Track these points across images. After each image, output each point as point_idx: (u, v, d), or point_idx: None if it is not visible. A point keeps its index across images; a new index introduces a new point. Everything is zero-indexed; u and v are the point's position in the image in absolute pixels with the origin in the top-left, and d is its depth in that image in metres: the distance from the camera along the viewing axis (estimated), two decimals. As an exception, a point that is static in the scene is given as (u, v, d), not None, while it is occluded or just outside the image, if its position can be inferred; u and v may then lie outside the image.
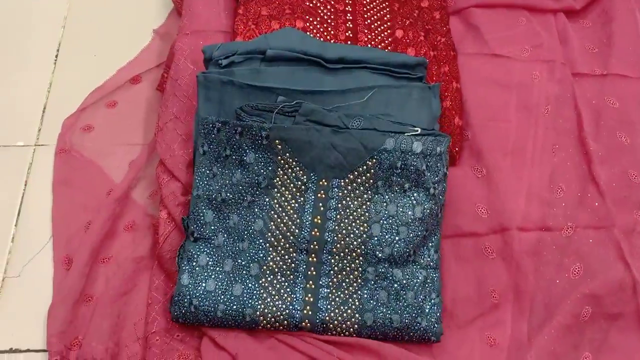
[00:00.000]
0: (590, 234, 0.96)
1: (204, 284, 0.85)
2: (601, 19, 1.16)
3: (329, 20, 1.01)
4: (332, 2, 1.03)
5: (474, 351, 0.89)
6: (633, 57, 1.11)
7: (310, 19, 1.01)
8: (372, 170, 0.88)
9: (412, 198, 0.88)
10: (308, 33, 0.99)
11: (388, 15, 1.04)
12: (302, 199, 0.87)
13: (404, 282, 0.87)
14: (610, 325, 0.93)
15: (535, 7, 1.14)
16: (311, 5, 1.02)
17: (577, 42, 1.13)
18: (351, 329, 0.85)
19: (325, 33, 1.00)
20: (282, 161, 0.87)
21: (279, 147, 0.87)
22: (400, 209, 0.88)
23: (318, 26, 1.01)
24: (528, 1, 1.13)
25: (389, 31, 1.03)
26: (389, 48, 1.01)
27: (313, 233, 0.86)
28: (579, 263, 0.94)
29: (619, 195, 0.99)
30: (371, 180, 0.88)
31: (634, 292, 0.93)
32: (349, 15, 1.02)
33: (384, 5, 1.05)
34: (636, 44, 1.11)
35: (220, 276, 0.86)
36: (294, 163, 0.87)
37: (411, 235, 0.88)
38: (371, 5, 1.05)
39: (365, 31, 1.02)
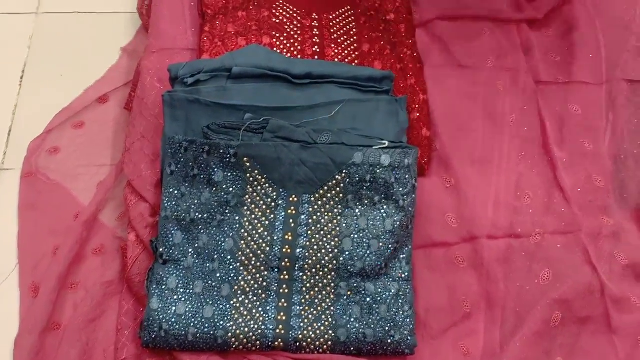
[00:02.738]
0: (558, 239, 0.93)
1: (174, 308, 0.80)
2: (563, 28, 1.13)
3: (296, 36, 0.97)
4: (299, 18, 0.99)
5: None
6: (594, 64, 1.09)
7: (277, 35, 0.96)
8: (342, 185, 0.84)
9: (382, 211, 0.84)
10: (275, 49, 0.94)
11: (354, 30, 1.00)
12: (272, 216, 0.83)
13: (377, 295, 0.83)
14: (581, 329, 0.90)
15: (498, 18, 1.11)
16: (277, 21, 0.97)
17: (540, 51, 1.10)
18: (325, 346, 0.81)
19: (292, 49, 0.96)
20: (251, 179, 0.82)
21: (248, 164, 0.82)
22: (371, 222, 0.84)
23: (285, 42, 0.96)
24: (491, 12, 1.10)
25: (355, 45, 0.99)
26: (356, 62, 0.97)
27: (284, 250, 0.82)
28: (547, 269, 0.91)
29: (584, 200, 0.96)
30: (341, 195, 0.84)
31: (602, 295, 0.91)
32: (315, 30, 0.98)
33: (350, 19, 1.01)
34: (597, 52, 1.09)
35: (191, 298, 0.80)
36: (263, 180, 0.83)
37: (382, 248, 0.83)
38: (337, 20, 1.00)
39: (332, 46, 0.97)
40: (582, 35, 1.10)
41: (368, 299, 0.82)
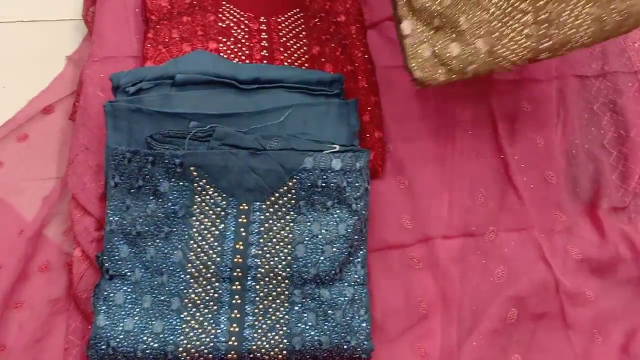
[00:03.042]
0: (512, 236, 0.93)
1: (121, 324, 0.77)
2: None
3: (243, 40, 0.94)
4: (246, 22, 0.96)
5: None
6: (544, 61, 1.09)
7: (224, 40, 0.93)
8: (293, 191, 0.82)
9: (335, 215, 0.83)
10: (222, 54, 0.92)
11: (304, 33, 0.98)
12: (222, 225, 0.80)
13: (332, 302, 0.81)
14: (537, 325, 0.90)
15: None
16: (224, 25, 0.95)
17: None
18: (280, 356, 0.79)
19: (240, 53, 0.93)
20: (198, 188, 0.80)
21: (194, 174, 0.80)
22: (324, 228, 0.82)
23: (232, 47, 0.93)
24: None
25: (305, 48, 0.97)
26: (306, 65, 0.95)
27: (236, 260, 0.80)
28: (502, 266, 0.91)
29: (537, 196, 0.96)
30: (293, 201, 0.82)
31: (557, 291, 0.91)
32: (263, 34, 0.96)
33: (299, 22, 0.99)
34: None
35: (139, 314, 0.78)
36: (212, 189, 0.80)
37: (336, 253, 0.82)
38: (286, 23, 0.98)
39: (281, 49, 0.95)
40: None
41: (323, 306, 0.81)
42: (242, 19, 0.96)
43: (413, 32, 0.76)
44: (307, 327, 0.80)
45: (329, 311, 0.81)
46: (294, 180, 0.81)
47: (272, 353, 0.78)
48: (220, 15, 0.95)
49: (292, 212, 0.82)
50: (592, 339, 0.91)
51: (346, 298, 0.82)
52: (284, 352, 0.79)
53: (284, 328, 0.79)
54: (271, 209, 0.82)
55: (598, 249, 0.95)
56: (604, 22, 0.76)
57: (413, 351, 0.86)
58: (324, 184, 0.82)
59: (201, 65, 0.86)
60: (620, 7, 0.75)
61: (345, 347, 0.80)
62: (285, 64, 0.94)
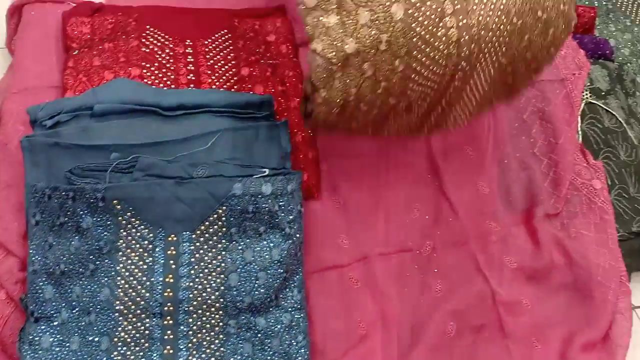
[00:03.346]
0: (449, 250, 0.94)
1: (49, 369, 0.74)
2: None
3: (168, 65, 0.92)
4: (171, 46, 0.94)
5: None
6: None
7: (147, 65, 0.91)
8: (224, 218, 0.80)
9: (269, 241, 0.81)
10: (145, 80, 0.89)
11: (232, 54, 0.97)
12: (150, 259, 0.78)
13: (268, 330, 0.80)
14: (476, 337, 0.91)
15: None
16: (147, 50, 0.92)
17: None
18: (216, 389, 0.77)
19: (165, 78, 0.91)
20: (123, 222, 0.77)
21: (118, 207, 0.77)
22: (258, 254, 0.80)
23: (156, 72, 0.91)
24: None
25: (233, 70, 0.95)
26: (235, 87, 0.94)
27: (166, 294, 0.77)
28: (440, 280, 0.91)
29: (471, 208, 0.97)
30: (224, 229, 0.80)
31: (494, 302, 0.92)
32: (189, 57, 0.94)
33: (227, 44, 0.97)
34: None
35: (67, 356, 0.75)
36: (137, 222, 0.78)
37: (271, 279, 0.80)
38: (213, 45, 0.96)
39: (209, 72, 0.93)
40: None
41: (259, 335, 0.79)
42: (166, 42, 0.94)
43: (319, 3, 0.67)
44: (244, 358, 0.78)
45: (266, 340, 0.79)
46: (224, 208, 0.79)
47: (207, 387, 0.77)
48: (143, 40, 0.93)
49: (223, 241, 0.80)
50: (531, 346, 0.92)
51: (283, 324, 0.81)
52: (220, 385, 0.77)
53: (220, 361, 0.77)
54: (201, 239, 0.80)
55: (533, 257, 0.97)
56: (522, 26, 0.73)
57: None
58: (255, 210, 0.80)
59: (121, 94, 0.83)
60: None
61: (283, 373, 0.79)
62: (214, 87, 0.92)
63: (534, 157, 1.03)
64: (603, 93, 1.14)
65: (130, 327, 0.76)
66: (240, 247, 0.80)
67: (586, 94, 1.11)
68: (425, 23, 0.70)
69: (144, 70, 0.90)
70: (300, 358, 0.80)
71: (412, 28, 0.69)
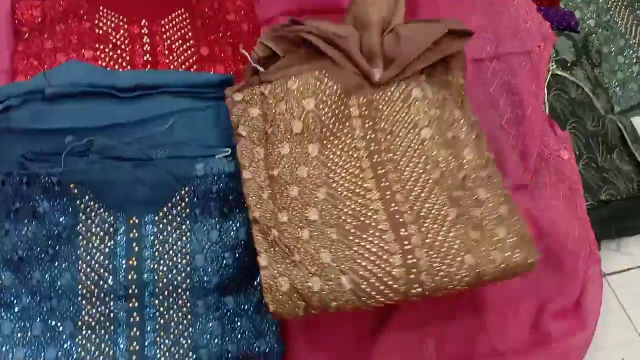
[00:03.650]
0: None
1: (10, 355, 0.74)
2: (407, 9, 1.15)
3: (123, 46, 0.92)
4: (126, 26, 0.93)
5: None
6: None
7: (102, 47, 0.90)
8: (187, 199, 0.80)
9: (234, 221, 0.82)
10: (100, 63, 0.89)
11: (190, 34, 0.96)
12: (111, 242, 0.78)
13: (237, 308, 0.81)
14: (451, 307, 0.92)
15: (342, 9, 1.10)
16: (101, 32, 0.92)
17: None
18: (185, 370, 0.78)
19: (120, 60, 0.91)
20: (82, 206, 0.77)
21: (75, 191, 0.77)
22: (224, 234, 0.81)
23: (111, 53, 0.90)
24: (334, 4, 1.10)
25: (192, 50, 0.95)
26: (195, 67, 0.94)
27: (130, 277, 0.77)
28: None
29: None
30: (187, 210, 0.80)
31: None
32: (145, 38, 0.93)
33: (184, 23, 0.97)
34: None
35: (29, 342, 0.75)
36: (97, 206, 0.78)
37: (239, 259, 0.81)
38: (170, 25, 0.96)
39: (166, 52, 0.93)
40: (424, 16, 1.12)
41: (228, 314, 0.80)
42: (120, 23, 0.93)
43: (269, 265, 0.73)
44: (213, 338, 0.79)
45: (235, 318, 0.80)
46: (187, 189, 0.80)
47: (176, 369, 0.77)
48: (96, 22, 0.92)
49: (187, 222, 0.80)
50: (504, 317, 0.93)
51: (252, 303, 0.82)
52: (189, 365, 0.78)
53: (189, 341, 0.78)
54: (165, 221, 0.80)
55: None
56: (480, 273, 0.76)
57: None
58: (219, 190, 0.81)
59: (74, 76, 0.82)
60: (498, 259, 0.76)
61: (254, 353, 0.80)
62: (171, 67, 0.92)
63: (502, 130, 1.04)
64: (569, 64, 1.15)
65: (94, 310, 0.76)
66: (205, 228, 0.81)
67: (552, 65, 1.13)
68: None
69: (98, 52, 0.90)
70: (271, 334, 0.81)
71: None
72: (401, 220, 0.78)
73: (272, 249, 0.74)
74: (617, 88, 1.28)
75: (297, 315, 0.73)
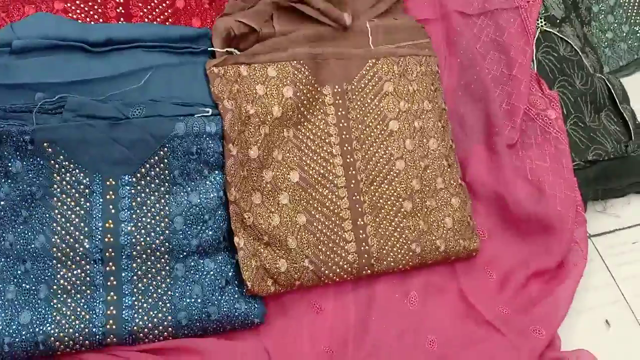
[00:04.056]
0: None
1: (-17, 319, 0.73)
2: None
3: (94, -3, 0.89)
4: (98, -23, 0.90)
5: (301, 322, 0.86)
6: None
7: (72, -1, 0.88)
8: (166, 160, 0.79)
9: (215, 182, 0.81)
10: (70, 15, 0.86)
11: (165, -16, 0.94)
12: (87, 204, 0.77)
13: (218, 270, 0.81)
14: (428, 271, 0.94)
15: None
16: (72, -18, 0.89)
17: None
18: (165, 333, 0.78)
19: (91, 12, 0.88)
20: (56, 166, 0.76)
21: (49, 150, 0.75)
22: (204, 196, 0.80)
23: (82, 5, 0.87)
24: None
25: (167, 2, 0.92)
26: (170, 21, 0.91)
27: (106, 240, 0.77)
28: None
29: None
30: (166, 171, 0.79)
31: None
32: (118, -11, 0.90)
33: (160, -27, 0.94)
34: None
35: (4, 306, 0.74)
36: (71, 166, 0.76)
37: (219, 220, 0.81)
38: (144, -24, 0.93)
39: (140, 5, 0.90)
40: None
41: (209, 276, 0.80)
42: (92, -27, 0.90)
43: (245, 246, 0.82)
44: (192, 300, 0.79)
45: (216, 281, 0.80)
46: (165, 149, 0.79)
47: (156, 332, 0.77)
48: (66, -28, 0.89)
49: (166, 184, 0.80)
50: (486, 277, 0.95)
51: (232, 265, 0.82)
52: (169, 328, 0.78)
53: (167, 304, 0.78)
54: (142, 182, 0.79)
55: (490, 188, 0.99)
56: (424, 257, 0.90)
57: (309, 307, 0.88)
58: (199, 150, 0.80)
59: (42, 29, 0.80)
60: (442, 247, 0.91)
61: (236, 314, 0.81)
62: (146, 20, 0.89)
63: (488, 89, 1.04)
64: (558, 21, 1.14)
65: (69, 274, 0.76)
66: (184, 190, 0.80)
67: (541, 22, 1.12)
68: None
69: (68, 4, 0.87)
70: (251, 296, 0.82)
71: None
72: (360, 209, 0.89)
73: (246, 231, 0.82)
74: (607, 48, 1.28)
75: (269, 291, 0.83)
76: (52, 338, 0.74)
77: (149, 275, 0.78)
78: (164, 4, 0.92)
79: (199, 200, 0.80)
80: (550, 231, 0.96)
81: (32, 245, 0.75)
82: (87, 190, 0.77)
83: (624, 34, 1.30)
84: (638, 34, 1.30)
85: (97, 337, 0.75)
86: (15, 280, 0.75)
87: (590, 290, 0.96)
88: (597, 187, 1.06)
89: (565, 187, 0.99)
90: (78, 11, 0.87)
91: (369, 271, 0.88)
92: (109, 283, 0.77)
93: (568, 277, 0.94)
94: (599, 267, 1.01)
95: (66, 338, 0.74)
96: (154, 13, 0.91)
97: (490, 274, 0.95)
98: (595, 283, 0.98)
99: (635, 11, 1.31)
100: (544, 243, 0.96)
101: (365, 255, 0.87)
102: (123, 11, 0.89)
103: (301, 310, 0.87)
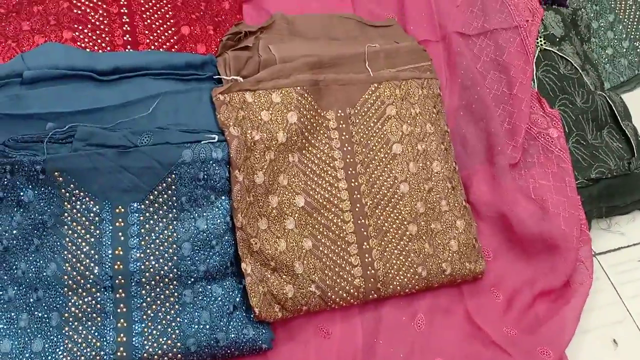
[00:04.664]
0: None
1: (-3, 347, 0.76)
2: None
3: (102, 26, 0.92)
4: (104, 6, 0.94)
5: (309, 347, 0.88)
6: (429, 21, 1.13)
7: (80, 28, 0.91)
8: (173, 187, 0.82)
9: (222, 208, 0.84)
10: (79, 44, 0.89)
11: (171, 12, 0.97)
12: (97, 232, 0.80)
13: (225, 296, 0.83)
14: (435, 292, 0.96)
15: None
16: (79, 12, 0.92)
17: (376, 11, 1.13)
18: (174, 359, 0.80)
19: (99, 41, 0.91)
20: (67, 194, 0.79)
21: (60, 179, 0.78)
22: (211, 222, 0.83)
23: (90, 34, 0.91)
24: None
25: (173, 29, 0.96)
26: (176, 47, 0.95)
27: (116, 267, 0.79)
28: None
29: None
30: (174, 198, 0.82)
31: None
32: (125, 17, 0.94)
33: (165, 1, 0.98)
34: (428, 8, 1.13)
35: (16, 334, 0.77)
36: (82, 194, 0.79)
37: (226, 246, 0.84)
38: (150, 4, 0.96)
39: (146, 32, 0.94)
40: None
41: (217, 302, 0.83)
42: (99, 3, 0.94)
43: (252, 272, 0.84)
44: (201, 327, 0.81)
45: (224, 307, 0.83)
46: (173, 176, 0.81)
47: (165, 359, 0.79)
48: (75, 2, 0.92)
49: (174, 210, 0.82)
50: (492, 297, 0.97)
51: (240, 291, 0.84)
52: (179, 355, 0.80)
53: (177, 331, 0.80)
54: (150, 209, 0.81)
55: (495, 207, 1.01)
56: (430, 280, 0.93)
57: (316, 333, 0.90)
58: (206, 177, 0.82)
59: (52, 59, 0.83)
60: (448, 270, 0.93)
61: (244, 340, 0.83)
62: (152, 47, 0.93)
63: (489, 108, 1.07)
64: (558, 39, 1.18)
65: (80, 301, 0.78)
66: (192, 216, 0.83)
67: (541, 41, 1.15)
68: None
69: (77, 33, 0.90)
70: (259, 322, 0.84)
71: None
72: (365, 233, 0.91)
73: (253, 257, 0.85)
74: (607, 64, 1.31)
75: (276, 317, 0.86)
76: (64, 366, 0.76)
77: (158, 302, 0.81)
78: (169, 31, 0.95)
79: (206, 226, 0.83)
80: (555, 250, 0.98)
81: (44, 274, 0.78)
82: (97, 218, 0.80)
83: (624, 50, 1.33)
84: (638, 50, 1.33)
85: (108, 364, 0.78)
86: (27, 308, 0.78)
87: (597, 309, 0.98)
88: (600, 205, 1.08)
89: (569, 206, 1.01)
90: (86, 40, 0.90)
91: (375, 295, 0.90)
92: (119, 310, 0.79)
93: (574, 296, 0.96)
94: (605, 285, 1.03)
95: (77, 366, 0.77)
96: (160, 40, 0.94)
97: (496, 294, 0.97)
98: (602, 302, 1.00)
99: (634, 27, 1.35)
100: (549, 262, 0.98)
101: (372, 280, 0.89)
102: (130, 39, 0.92)
103: (308, 334, 0.89)
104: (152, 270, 0.80)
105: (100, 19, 0.93)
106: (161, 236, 0.81)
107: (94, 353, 0.77)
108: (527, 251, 1.00)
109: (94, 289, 0.79)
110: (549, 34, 1.17)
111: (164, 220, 0.82)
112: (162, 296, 0.81)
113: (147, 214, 0.81)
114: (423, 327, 0.92)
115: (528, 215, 0.99)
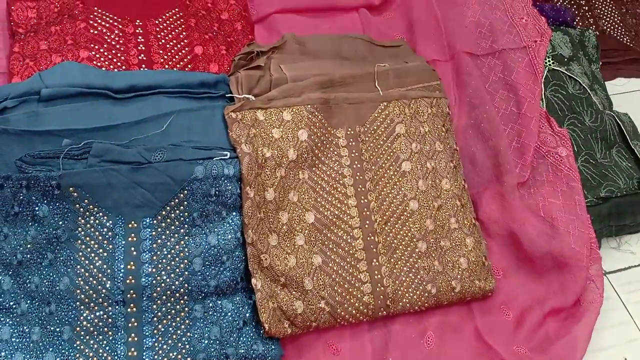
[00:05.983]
0: None
1: (10, 360, 0.77)
2: (401, 9, 1.19)
3: (118, 46, 0.95)
4: (120, 26, 0.97)
5: None
6: (437, 41, 1.15)
7: (96, 47, 0.94)
8: (186, 203, 0.83)
9: (233, 224, 0.85)
10: (95, 63, 0.92)
11: (184, 33, 1.00)
12: (110, 246, 0.81)
13: (236, 311, 0.84)
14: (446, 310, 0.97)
15: (336, 7, 1.15)
16: (96, 32, 0.95)
17: (383, 33, 1.15)
18: (184, 375, 0.81)
19: (115, 60, 0.94)
20: (81, 209, 0.80)
21: (75, 194, 0.80)
22: (222, 237, 0.84)
23: (106, 54, 0.94)
24: (327, 2, 1.14)
25: (187, 49, 0.98)
26: (189, 66, 0.97)
27: (128, 281, 0.80)
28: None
29: None
30: (186, 213, 0.83)
31: None
32: (140, 37, 0.97)
33: (179, 22, 1.00)
34: (437, 29, 1.15)
35: (29, 347, 0.78)
36: (95, 209, 0.81)
37: (237, 262, 0.85)
38: (165, 24, 0.99)
39: (160, 52, 0.96)
40: (419, 14, 1.16)
41: (227, 317, 0.83)
42: (115, 23, 0.96)
43: (262, 288, 0.85)
44: (212, 342, 0.82)
45: (234, 322, 0.83)
46: (185, 192, 0.83)
47: (175, 373, 0.80)
48: (91, 22, 0.95)
49: (185, 225, 0.83)
50: (501, 314, 0.97)
51: (250, 306, 0.85)
52: (188, 370, 0.81)
53: (187, 346, 0.81)
54: (163, 224, 0.83)
55: (504, 226, 1.02)
56: (439, 298, 0.94)
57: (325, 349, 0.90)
58: (217, 193, 0.84)
59: (68, 77, 0.86)
60: (457, 287, 0.94)
61: (253, 355, 0.83)
62: (166, 67, 0.95)
63: (498, 127, 1.08)
64: (566, 59, 1.19)
65: (92, 315, 0.79)
66: (203, 232, 0.84)
67: (549, 61, 1.17)
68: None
69: (93, 52, 0.93)
70: (268, 338, 0.85)
71: None
72: (375, 250, 0.92)
73: (264, 273, 0.86)
74: (615, 83, 1.32)
75: (285, 333, 0.86)
76: (75, 379, 0.77)
77: (169, 317, 0.81)
78: (183, 51, 0.98)
79: (217, 242, 0.84)
80: (565, 269, 0.98)
81: (57, 288, 0.79)
82: (110, 233, 0.81)
83: (632, 70, 1.34)
84: (646, 70, 1.35)
85: (119, 378, 0.78)
86: (40, 322, 0.79)
87: (607, 327, 0.98)
88: (610, 224, 1.08)
89: (579, 225, 1.01)
90: (102, 59, 0.93)
91: (384, 312, 0.90)
92: (130, 324, 0.80)
93: (585, 315, 0.96)
94: (616, 304, 1.03)
95: (89, 379, 0.78)
96: (174, 59, 0.97)
97: (506, 313, 0.97)
98: (612, 321, 1.00)
99: (642, 47, 1.37)
100: (560, 281, 0.98)
101: (381, 297, 0.90)
102: (145, 58, 0.95)
103: (317, 351, 0.89)
104: (163, 285, 0.81)
105: (116, 38, 0.95)
106: (173, 251, 0.82)
107: (105, 367, 0.78)
108: (537, 269, 1.00)
109: (105, 303, 0.80)
110: (557, 54, 1.19)
111: (176, 235, 0.83)
112: (173, 311, 0.82)
113: (160, 229, 0.83)
114: (433, 345, 0.92)
115: (538, 233, 1.00)
